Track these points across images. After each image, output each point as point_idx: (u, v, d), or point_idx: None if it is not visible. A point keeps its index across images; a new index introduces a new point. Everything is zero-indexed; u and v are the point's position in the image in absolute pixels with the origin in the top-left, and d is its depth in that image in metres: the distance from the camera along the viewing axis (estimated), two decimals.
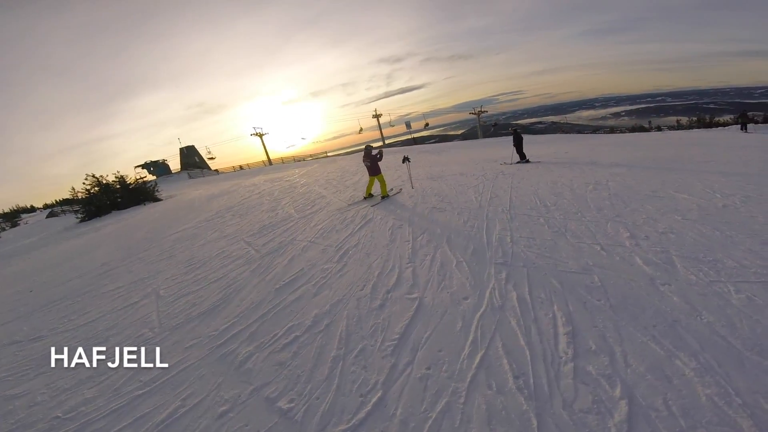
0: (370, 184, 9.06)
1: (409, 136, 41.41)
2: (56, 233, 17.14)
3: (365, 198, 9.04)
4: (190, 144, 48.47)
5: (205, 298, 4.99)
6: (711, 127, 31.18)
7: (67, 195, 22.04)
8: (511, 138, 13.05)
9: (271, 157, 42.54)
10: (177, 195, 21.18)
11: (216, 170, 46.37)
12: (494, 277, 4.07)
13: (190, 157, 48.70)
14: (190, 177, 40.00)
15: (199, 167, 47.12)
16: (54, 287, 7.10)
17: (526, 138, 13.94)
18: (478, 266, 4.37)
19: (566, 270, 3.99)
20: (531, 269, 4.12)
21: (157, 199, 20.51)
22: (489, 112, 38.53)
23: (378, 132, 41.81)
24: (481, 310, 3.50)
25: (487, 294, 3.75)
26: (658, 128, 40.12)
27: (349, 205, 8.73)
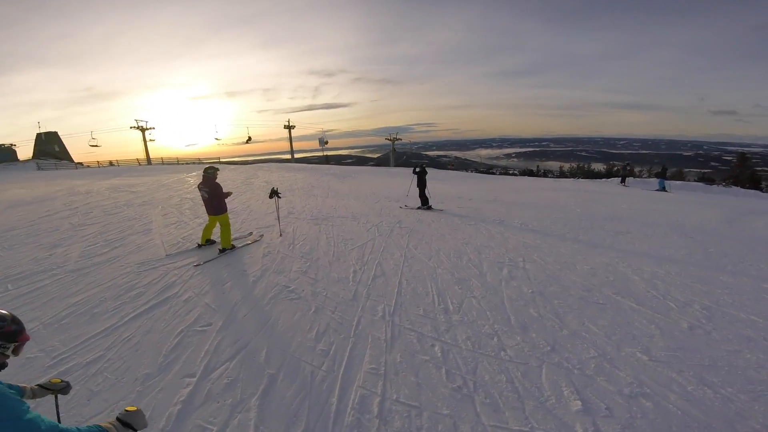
0: (209, 227, 5.95)
1: (321, 153, 38.38)
2: None
3: (200, 246, 5.89)
4: (53, 130, 39.04)
5: None
6: (591, 177, 34.61)
7: None
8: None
9: (151, 157, 35.40)
10: None
11: (79, 163, 37.48)
12: None
13: (49, 144, 39.22)
14: (39, 168, 31.08)
15: (57, 157, 37.66)
16: None
17: (432, 173, 11.93)
18: None
19: None
20: None
21: None
22: (403, 141, 37.73)
23: (288, 144, 37.83)
24: None
25: None
26: (544, 174, 43.90)
27: (169, 254, 5.53)
